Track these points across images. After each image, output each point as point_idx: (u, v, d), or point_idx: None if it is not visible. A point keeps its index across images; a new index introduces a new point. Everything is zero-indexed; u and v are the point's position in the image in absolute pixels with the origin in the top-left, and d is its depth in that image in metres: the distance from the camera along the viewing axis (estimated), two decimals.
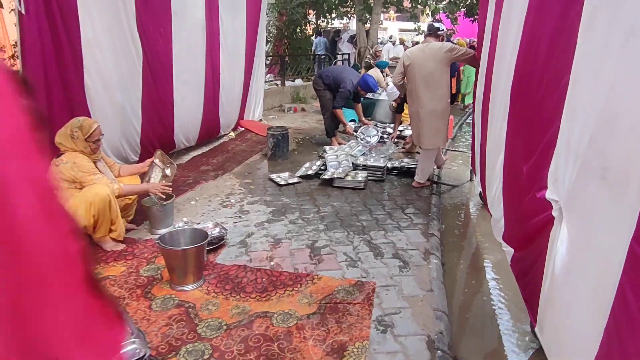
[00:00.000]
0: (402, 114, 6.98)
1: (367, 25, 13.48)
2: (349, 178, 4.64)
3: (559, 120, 1.73)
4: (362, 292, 2.61)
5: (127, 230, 3.36)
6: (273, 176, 4.89)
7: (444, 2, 12.66)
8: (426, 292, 2.68)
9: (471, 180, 5.37)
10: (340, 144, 6.58)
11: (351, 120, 8.38)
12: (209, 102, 5.77)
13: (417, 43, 18.14)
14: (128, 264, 2.84)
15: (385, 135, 6.97)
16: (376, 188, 4.67)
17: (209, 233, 3.09)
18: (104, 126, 4.03)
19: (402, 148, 6.46)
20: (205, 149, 6.07)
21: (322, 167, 5.07)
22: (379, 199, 4.32)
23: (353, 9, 14.66)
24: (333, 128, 6.34)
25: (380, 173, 4.87)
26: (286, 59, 13.26)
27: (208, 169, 5.19)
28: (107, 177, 3.08)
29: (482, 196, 4.33)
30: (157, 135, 4.78)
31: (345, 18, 17.07)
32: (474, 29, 19.49)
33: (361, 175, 4.73)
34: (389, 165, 5.14)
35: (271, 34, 13.69)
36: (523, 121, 2.13)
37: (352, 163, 5.03)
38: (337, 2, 15.40)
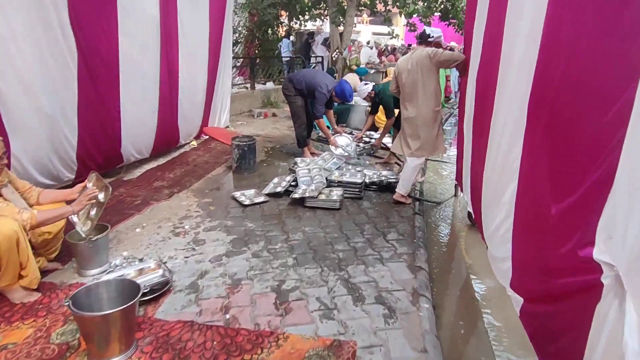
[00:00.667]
0: (377, 120, 6.55)
1: (341, 28, 13.04)
2: (322, 197, 4.09)
3: (618, 149, 1.23)
4: (340, 357, 2.06)
5: (48, 272, 2.71)
6: (237, 194, 4.29)
7: (420, 4, 12.33)
8: (419, 354, 2.16)
9: (456, 195, 4.92)
10: (313, 154, 6.05)
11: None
12: (165, 107, 5.12)
13: (393, 47, 17.90)
14: (38, 323, 2.20)
15: (362, 144, 6.48)
16: (353, 207, 4.14)
17: (150, 278, 2.49)
18: (25, 139, 3.37)
19: (380, 159, 5.98)
20: (161, 161, 5.41)
21: (293, 183, 4.51)
22: (357, 222, 3.79)
23: (326, 10, 14.20)
24: (305, 137, 5.78)
25: (357, 190, 4.34)
26: (257, 61, 12.68)
27: (162, 186, 4.54)
28: (16, 205, 2.43)
29: (472, 218, 3.88)
30: (99, 147, 4.11)
31: (318, 20, 16.60)
32: (449, 33, 19.43)
33: (336, 193, 4.19)
34: (367, 180, 4.62)
35: (241, 35, 13.05)
36: (552, 145, 1.63)
37: (326, 178, 4.49)
38: (310, 4, 14.92)
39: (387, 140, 6.65)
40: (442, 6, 13.35)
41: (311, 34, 15.63)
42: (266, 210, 4.01)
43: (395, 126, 5.71)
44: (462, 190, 4.15)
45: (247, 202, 4.10)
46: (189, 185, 4.66)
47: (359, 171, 4.94)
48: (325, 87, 5.38)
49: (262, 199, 4.21)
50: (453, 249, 4.02)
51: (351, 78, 8.50)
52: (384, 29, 20.18)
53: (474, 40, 3.38)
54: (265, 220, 3.76)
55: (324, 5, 14.58)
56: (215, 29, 6.12)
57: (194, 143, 6.26)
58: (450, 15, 12.32)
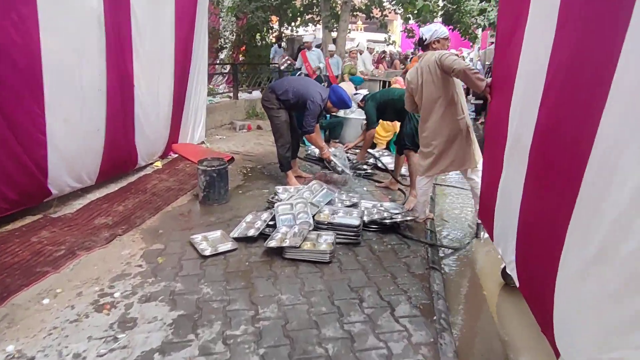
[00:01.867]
0: (377, 136, 5.63)
1: (334, 34, 12.16)
2: (307, 245, 3.11)
3: None
4: None
5: None
6: (197, 239, 3.30)
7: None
8: None
9: (477, 237, 3.95)
10: (299, 178, 5.08)
11: None
12: (115, 124, 4.13)
13: (391, 55, 17.04)
14: None
15: (360, 165, 5.52)
16: (348, 259, 3.16)
17: None
18: None
19: (380, 184, 5.02)
20: (112, 188, 4.40)
21: (271, 222, 3.53)
22: (353, 285, 2.81)
23: (319, 15, 13.33)
24: (288, 160, 4.81)
25: (353, 235, 3.36)
26: (243, 68, 11.73)
27: (104, 225, 3.54)
28: None
29: (509, 277, 2.94)
30: (9, 181, 3.09)
31: (310, 25, 15.72)
32: (454, 40, 18.64)
33: (326, 239, 3.21)
34: (366, 217, 3.65)
35: (227, 40, 12.13)
36: None
37: (314, 217, 3.51)
38: (301, 9, 14.04)
39: (387, 160, 5.72)
40: (444, 10, 12.52)
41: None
42: (232, 264, 3.02)
43: (398, 151, 4.79)
44: (490, 235, 3.19)
45: (207, 252, 3.11)
46: (139, 222, 3.66)
47: (354, 204, 3.97)
48: (319, 97, 4.46)
49: (228, 246, 3.22)
50: (483, 320, 3.05)
51: (346, 87, 7.56)
52: (380, 36, 19.39)
53: (523, 55, 2.46)
54: (228, 282, 2.77)
55: (317, 10, 13.72)
56: (183, 29, 5.16)
57: (159, 164, 5.27)
58: (454, 19, 11.40)
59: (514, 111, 2.59)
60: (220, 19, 12.18)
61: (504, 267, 3.08)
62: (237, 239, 3.35)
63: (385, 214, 3.76)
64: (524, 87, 2.46)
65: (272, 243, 3.13)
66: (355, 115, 7.09)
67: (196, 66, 5.86)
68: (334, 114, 6.82)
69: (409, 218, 3.71)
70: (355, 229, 3.33)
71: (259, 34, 12.94)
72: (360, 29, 27.25)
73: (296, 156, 5.28)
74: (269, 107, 4.78)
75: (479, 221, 3.77)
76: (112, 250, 3.13)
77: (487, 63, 11.71)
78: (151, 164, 5.21)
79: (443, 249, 3.72)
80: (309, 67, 8.83)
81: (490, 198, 3.15)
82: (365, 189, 4.89)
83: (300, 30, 16.45)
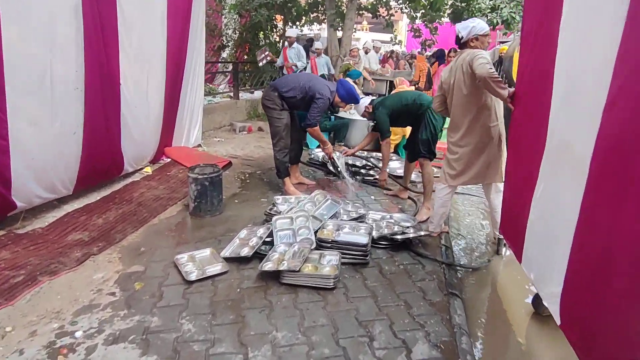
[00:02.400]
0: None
1: (340, 33, 11.73)
2: (308, 269, 2.68)
3: None
4: None
5: None
6: (182, 259, 2.88)
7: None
8: None
9: (498, 253, 3.51)
10: (301, 184, 4.66)
11: (319, 145, 6.51)
12: (96, 127, 3.73)
13: (392, 52, 16.56)
14: None
15: (362, 171, 5.08)
16: (355, 285, 2.72)
17: None
18: None
19: (388, 191, 4.58)
20: (93, 198, 3.99)
21: (268, 238, 3.11)
22: (361, 318, 2.38)
23: (324, 14, 12.89)
24: (286, 166, 4.39)
25: (361, 254, 2.93)
26: (246, 67, 11.33)
27: (78, 242, 3.13)
28: None
29: (541, 306, 2.51)
30: None
31: (316, 24, 15.28)
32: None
33: (330, 261, 2.78)
34: (375, 232, 3.22)
35: (230, 38, 11.74)
36: None
37: (316, 233, 3.08)
38: (306, 7, 13.62)
39: (396, 165, 5.28)
40: (452, 9, 12.04)
41: (310, 40, 14.32)
42: (220, 290, 2.60)
43: (409, 158, 4.34)
44: (516, 255, 2.74)
45: (193, 276, 2.69)
46: (119, 238, 3.25)
47: (362, 216, 3.54)
48: (327, 91, 4.11)
49: (218, 268, 2.80)
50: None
51: None
52: (385, 36, 18.90)
53: (562, 53, 2.03)
54: (214, 315, 2.35)
55: (322, 9, 13.29)
56: (177, 25, 4.75)
57: (148, 169, 4.86)
58: (463, 18, 10.90)
59: (555, 115, 2.16)
60: (223, 17, 11.80)
61: (537, 295, 2.63)
62: (228, 259, 2.93)
63: (396, 228, 3.33)
64: (568, 88, 2.02)
65: (268, 266, 2.70)
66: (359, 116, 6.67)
67: (192, 65, 5.45)
68: (338, 115, 6.45)
69: (422, 233, 3.28)
70: (363, 249, 2.90)
71: (262, 32, 12.51)
72: (366, 29, 26.83)
73: (299, 161, 4.85)
74: (270, 107, 4.36)
75: (500, 235, 3.34)
76: (83, 274, 2.71)
77: (493, 62, 11.19)
78: (140, 169, 4.80)
79: (461, 268, 3.26)
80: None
81: (518, 212, 2.71)
82: (372, 197, 4.45)
83: (305, 30, 16.05)
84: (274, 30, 13.48)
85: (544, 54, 2.26)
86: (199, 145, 6.13)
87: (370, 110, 4.34)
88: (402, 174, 4.60)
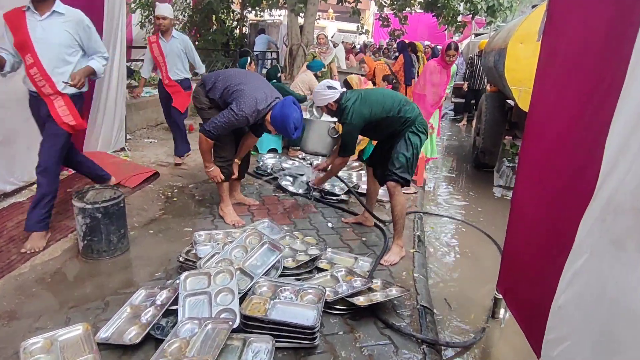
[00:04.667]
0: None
1: (302, 20, 10.70)
2: None
3: None
4: None
5: None
6: (33, 347, 1.88)
7: None
8: None
9: (494, 317, 2.66)
10: (240, 204, 3.72)
11: (271, 150, 5.54)
12: None
13: (366, 45, 15.61)
14: None
15: (315, 189, 4.13)
16: None
17: None
18: None
19: (348, 219, 3.65)
20: None
21: (172, 306, 2.14)
22: None
23: None
24: (230, 172, 3.45)
25: (307, 338, 2.00)
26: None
27: None
28: None
29: None
30: None
31: (275, 10, 14.14)
32: (430, 30, 17.20)
33: (256, 354, 1.85)
34: (330, 293, 2.30)
35: (178, 21, 10.49)
36: None
37: (242, 300, 2.14)
38: None
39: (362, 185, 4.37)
40: None
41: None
42: None
43: (377, 179, 3.37)
44: (532, 343, 1.90)
45: None
46: None
47: (314, 259, 2.64)
48: (250, 107, 2.98)
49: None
50: None
51: (305, 77, 6.17)
52: (351, 25, 17.99)
53: None
54: None
55: None
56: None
57: None
58: (439, 3, 9.92)
59: (614, 154, 1.29)
60: None
61: None
62: (106, 345, 1.94)
63: (358, 283, 2.42)
64: None
65: None
66: (323, 117, 5.74)
67: (108, 51, 4.33)
68: None
69: (395, 295, 2.39)
70: (309, 332, 1.97)
71: (214, 16, 11.31)
72: (332, 18, 25.86)
73: (243, 176, 3.87)
74: (198, 107, 3.38)
75: (498, 294, 2.50)
76: None
77: (469, 56, 10.52)
78: (31, 185, 3.68)
79: (446, 347, 2.39)
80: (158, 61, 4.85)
81: (533, 279, 1.86)
82: (330, 224, 3.54)
83: (266, 15, 14.90)
84: (230, 14, 12.30)
85: (597, 71, 1.41)
86: (122, 149, 5.02)
87: (335, 108, 3.09)
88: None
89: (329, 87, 3.06)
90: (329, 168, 3.47)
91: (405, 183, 2.96)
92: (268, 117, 3.07)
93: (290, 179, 4.37)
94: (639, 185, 1.21)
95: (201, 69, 4.93)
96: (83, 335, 2.00)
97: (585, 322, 1.46)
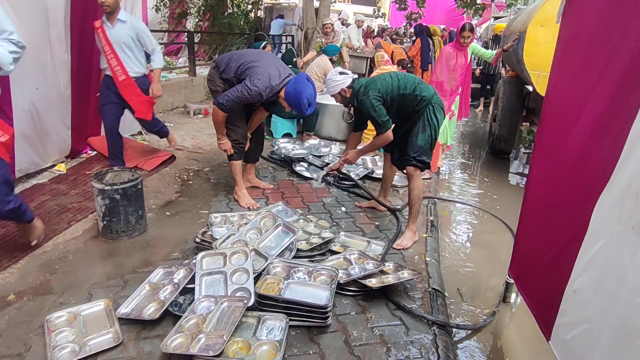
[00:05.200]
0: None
1: (317, 3, 10.59)
2: (237, 346, 1.80)
3: None
4: None
5: None
6: (58, 320, 1.97)
7: None
8: None
9: (505, 301, 2.68)
10: (255, 187, 3.76)
11: (285, 135, 5.56)
12: None
13: (383, 29, 15.40)
14: None
15: (330, 173, 4.15)
16: None
17: None
18: None
19: (362, 203, 3.66)
20: None
21: (189, 284, 2.20)
22: None
23: None
24: (242, 147, 3.45)
25: (320, 316, 2.04)
26: (209, 38, 10.14)
27: None
28: None
29: None
30: None
31: None
32: (448, 14, 16.85)
33: (271, 331, 1.90)
34: (343, 275, 2.34)
35: (193, 4, 10.47)
36: None
37: (256, 281, 2.19)
38: None
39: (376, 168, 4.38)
40: None
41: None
42: None
43: (395, 164, 3.33)
44: (543, 327, 1.92)
45: (62, 358, 1.77)
46: None
47: (327, 242, 2.68)
48: (262, 82, 2.99)
49: (107, 339, 1.89)
50: None
51: (320, 61, 6.15)
52: (368, 9, 17.75)
53: None
54: None
55: None
56: None
57: (62, 167, 3.83)
58: None
59: (635, 139, 1.28)
60: None
61: None
62: (126, 320, 2.02)
63: (370, 265, 2.45)
64: None
65: (176, 342, 1.80)
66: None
67: None
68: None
69: (406, 278, 2.41)
70: (322, 311, 2.01)
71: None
72: (348, 1, 25.57)
73: (257, 159, 3.90)
74: (213, 91, 3.40)
75: (510, 279, 2.51)
76: None
77: (485, 40, 10.30)
78: (51, 167, 3.78)
79: (457, 329, 2.42)
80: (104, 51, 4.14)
81: (545, 265, 1.87)
82: (343, 209, 3.56)
83: None
84: None
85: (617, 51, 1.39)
86: (140, 133, 5.10)
87: (349, 95, 3.07)
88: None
89: (341, 73, 3.07)
90: (369, 144, 3.24)
91: (426, 166, 2.96)
92: (282, 93, 3.09)
93: (305, 165, 4.39)
94: None
95: (155, 53, 3.74)
96: (105, 310, 2.09)
97: (605, 307, 1.46)
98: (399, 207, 3.57)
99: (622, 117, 1.31)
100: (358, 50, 9.86)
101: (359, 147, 3.36)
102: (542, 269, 1.92)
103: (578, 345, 1.60)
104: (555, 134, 1.84)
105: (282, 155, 4.57)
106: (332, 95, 3.20)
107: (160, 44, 7.88)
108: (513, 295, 2.63)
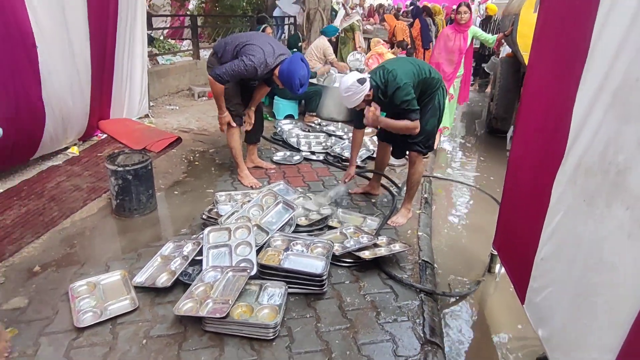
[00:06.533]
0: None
1: None
2: (241, 309, 2.01)
3: None
4: None
5: None
6: (80, 288, 2.19)
7: None
8: None
9: (490, 271, 2.88)
10: (258, 167, 3.94)
11: (287, 116, 5.72)
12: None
13: (380, 6, 15.29)
14: None
15: (330, 153, 4.33)
16: (303, 332, 2.05)
17: None
18: None
19: (355, 190, 3.73)
20: None
21: (198, 256, 2.41)
22: None
23: None
24: (241, 113, 3.61)
25: (316, 284, 2.26)
26: (211, 20, 10.20)
27: None
28: None
29: None
30: None
31: None
32: None
33: (272, 297, 2.11)
34: (339, 248, 2.54)
35: None
36: None
37: (259, 252, 2.40)
38: None
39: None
40: None
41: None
42: (120, 344, 1.92)
43: (394, 153, 3.37)
44: (518, 291, 2.12)
45: (86, 321, 2.00)
46: (11, 252, 2.54)
47: (325, 219, 2.87)
48: (257, 58, 3.09)
49: (125, 304, 2.12)
50: None
51: (320, 42, 6.25)
52: None
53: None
54: None
55: None
56: None
57: (75, 149, 4.04)
58: None
59: (581, 118, 1.45)
60: None
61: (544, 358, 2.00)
62: (142, 288, 2.24)
63: (365, 239, 2.65)
64: (615, 79, 1.31)
65: (187, 306, 2.02)
66: (336, 83, 5.86)
67: (131, 17, 4.52)
68: (312, 81, 5.60)
69: (397, 250, 2.61)
70: (318, 279, 2.22)
71: None
72: None
73: (258, 140, 4.08)
74: None
75: (494, 251, 2.70)
76: None
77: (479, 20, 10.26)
78: (65, 149, 3.99)
79: (442, 296, 2.62)
80: None
81: (520, 236, 2.06)
82: (342, 188, 3.73)
83: None
84: None
85: (574, 32, 1.53)
86: (146, 116, 5.28)
87: (371, 96, 2.86)
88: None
89: (358, 80, 2.80)
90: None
91: (430, 150, 3.05)
92: (276, 71, 3.21)
93: (307, 146, 4.56)
94: (606, 148, 1.37)
95: None
96: (121, 279, 2.31)
97: (565, 271, 1.65)
98: (399, 185, 3.71)
99: (570, 100, 1.47)
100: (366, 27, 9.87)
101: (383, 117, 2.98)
102: (518, 239, 2.11)
103: (545, 306, 1.80)
104: (529, 113, 1.99)
105: (283, 138, 4.73)
106: (354, 105, 2.92)
107: (164, 27, 8.00)
108: (497, 266, 2.83)
